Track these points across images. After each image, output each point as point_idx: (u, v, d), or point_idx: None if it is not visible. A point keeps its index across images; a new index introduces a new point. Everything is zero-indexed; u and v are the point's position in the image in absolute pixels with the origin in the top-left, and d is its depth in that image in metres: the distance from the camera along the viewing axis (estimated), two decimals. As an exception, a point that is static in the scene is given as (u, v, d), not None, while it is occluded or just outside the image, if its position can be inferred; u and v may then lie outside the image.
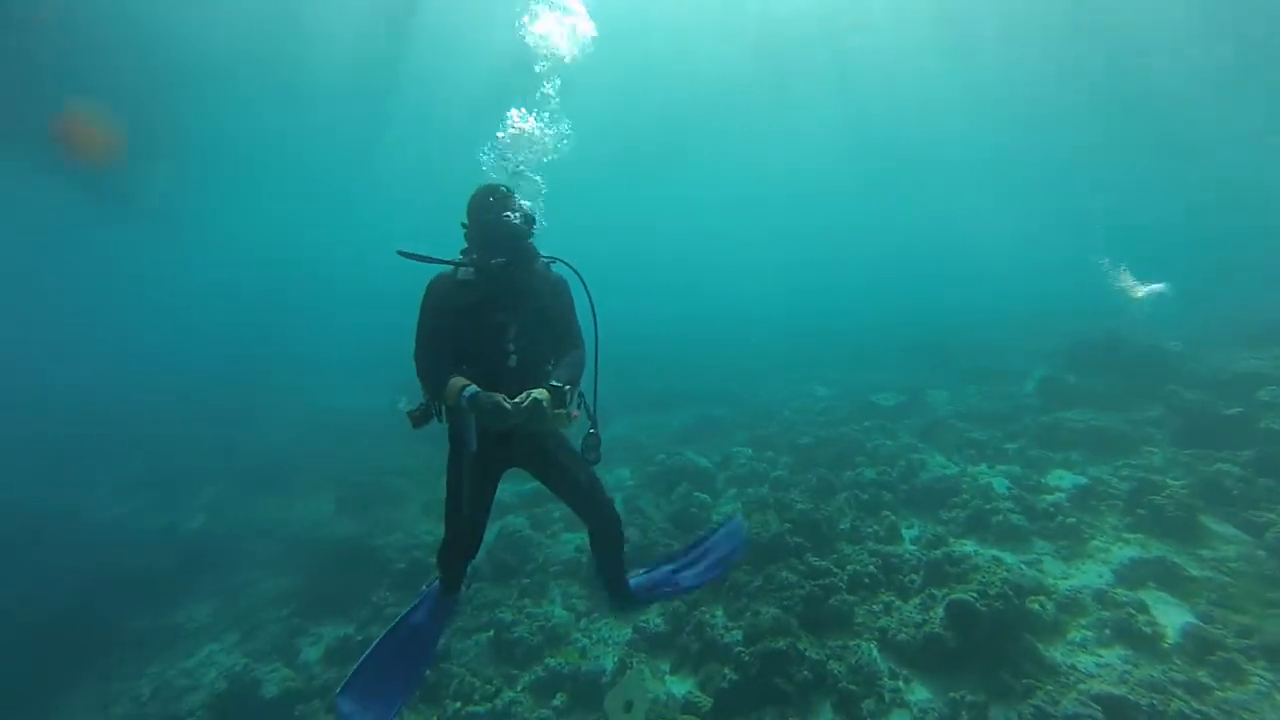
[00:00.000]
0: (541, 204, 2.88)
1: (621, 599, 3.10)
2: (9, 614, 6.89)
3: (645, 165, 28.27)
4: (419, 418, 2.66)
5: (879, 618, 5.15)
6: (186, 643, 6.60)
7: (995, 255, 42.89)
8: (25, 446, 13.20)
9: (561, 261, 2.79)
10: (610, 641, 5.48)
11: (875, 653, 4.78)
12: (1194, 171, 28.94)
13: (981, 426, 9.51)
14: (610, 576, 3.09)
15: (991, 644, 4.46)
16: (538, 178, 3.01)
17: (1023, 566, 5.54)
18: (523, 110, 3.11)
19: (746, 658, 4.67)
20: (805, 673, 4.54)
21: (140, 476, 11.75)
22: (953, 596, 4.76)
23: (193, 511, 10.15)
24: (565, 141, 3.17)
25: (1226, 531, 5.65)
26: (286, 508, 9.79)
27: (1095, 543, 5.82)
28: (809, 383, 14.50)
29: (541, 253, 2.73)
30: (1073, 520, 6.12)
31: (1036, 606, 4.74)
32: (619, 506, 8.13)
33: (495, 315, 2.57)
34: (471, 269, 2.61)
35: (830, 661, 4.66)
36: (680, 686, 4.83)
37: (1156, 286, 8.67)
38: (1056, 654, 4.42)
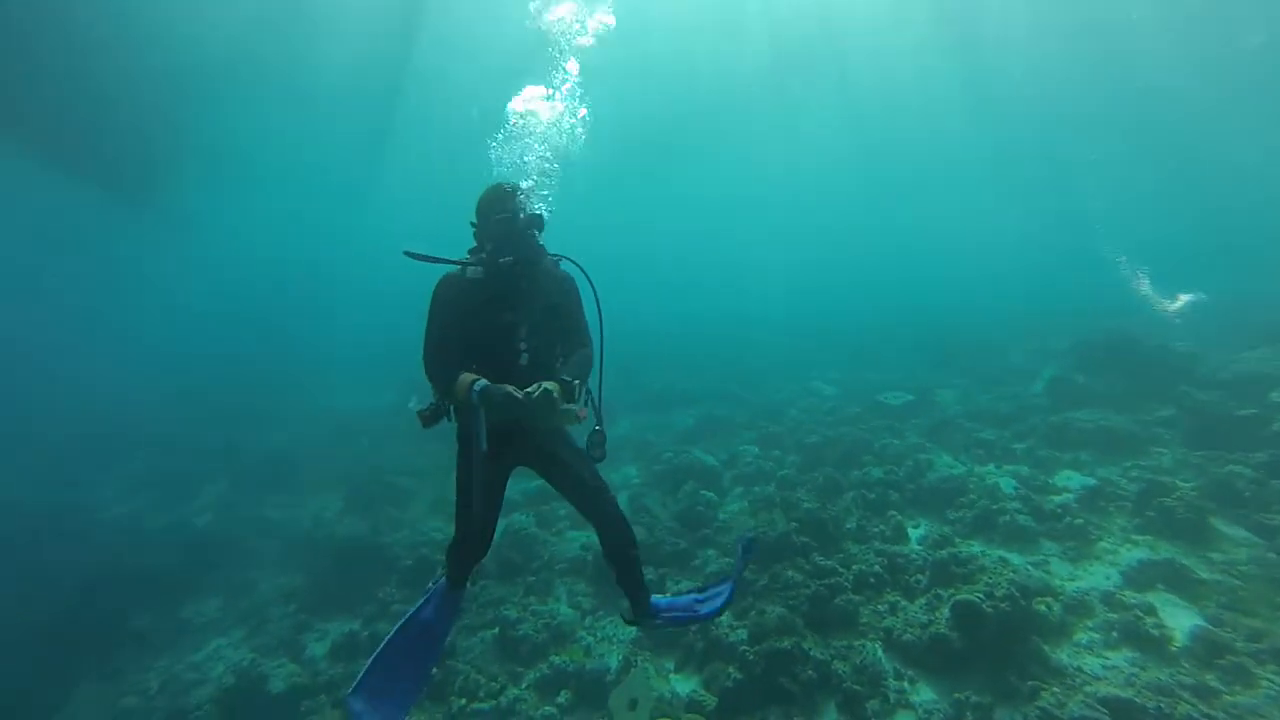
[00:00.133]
0: (550, 199, 2.88)
1: (639, 607, 3.03)
2: (18, 610, 6.97)
3: (647, 165, 28.27)
4: (429, 417, 2.68)
5: (884, 618, 5.13)
6: (193, 638, 6.66)
7: (998, 255, 42.57)
8: (32, 445, 13.33)
9: (568, 260, 2.79)
10: (615, 639, 5.49)
11: (880, 653, 4.76)
12: (1195, 169, 28.72)
13: (990, 426, 9.45)
14: (627, 582, 3.01)
15: (997, 645, 4.43)
16: (553, 164, 2.99)
17: (1029, 567, 5.51)
18: (543, 91, 3.10)
19: (751, 657, 4.67)
20: (810, 672, 4.53)
21: (146, 474, 11.85)
22: (959, 597, 4.73)
23: (199, 509, 10.23)
24: (582, 129, 3.15)
25: (1237, 534, 5.59)
26: (293, 505, 9.85)
27: (1103, 544, 5.77)
28: (815, 382, 14.44)
29: (549, 250, 2.73)
30: (1081, 521, 6.07)
31: (1043, 608, 4.71)
32: (625, 505, 8.17)
33: (504, 314, 2.58)
34: (480, 268, 2.62)
35: (835, 661, 4.65)
36: (685, 685, 4.83)
37: (1191, 297, 8.51)
38: (1063, 656, 4.39)
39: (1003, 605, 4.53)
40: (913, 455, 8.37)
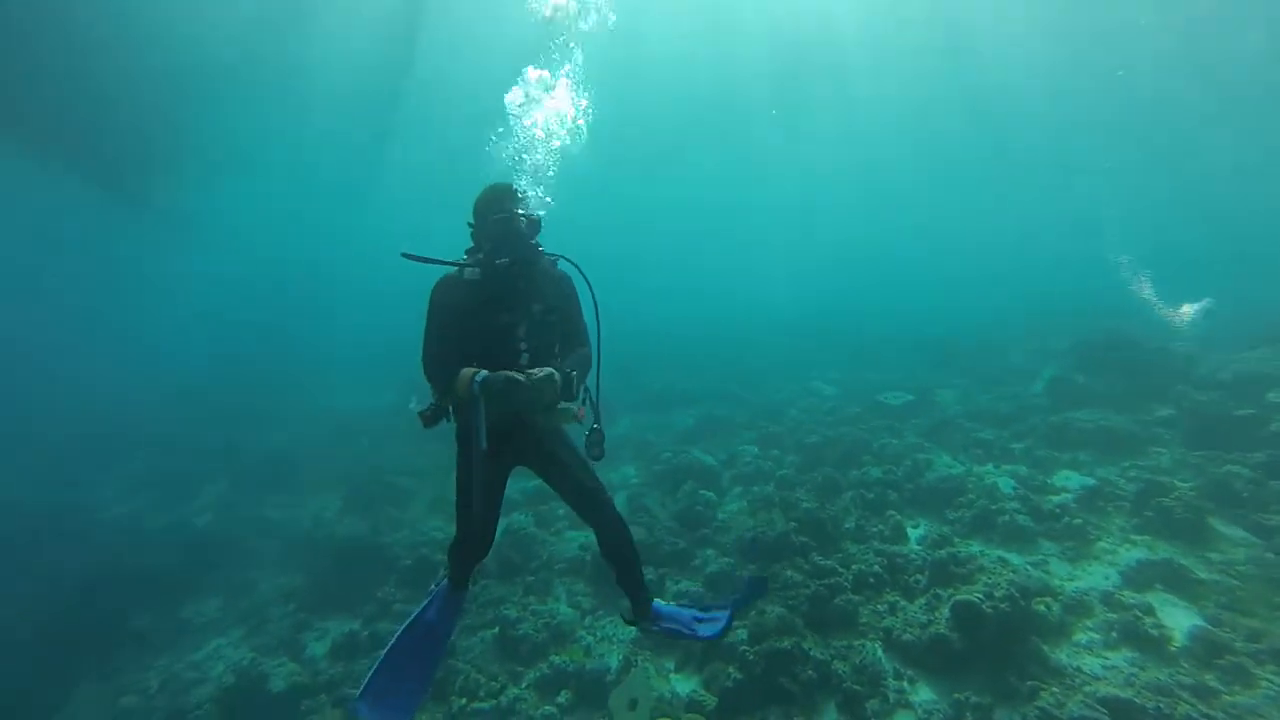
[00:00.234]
0: (548, 195, 2.88)
1: (639, 608, 3.04)
2: (18, 609, 6.98)
3: (647, 166, 28.27)
4: (430, 418, 2.69)
5: (884, 618, 5.14)
6: (193, 637, 6.66)
7: (997, 257, 42.67)
8: (32, 445, 13.32)
9: (565, 259, 2.80)
10: (615, 639, 5.50)
11: (880, 653, 4.77)
12: (1200, 173, 28.75)
13: (989, 426, 9.47)
14: (627, 582, 3.03)
15: (997, 645, 4.44)
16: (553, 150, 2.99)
17: (1029, 567, 5.52)
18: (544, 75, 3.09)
19: (751, 657, 4.68)
20: (810, 672, 4.53)
21: (146, 474, 11.84)
22: (958, 597, 4.74)
23: (199, 509, 10.23)
24: (583, 119, 3.15)
25: (1235, 534, 5.61)
26: (293, 505, 9.85)
27: (1102, 544, 5.78)
28: (814, 382, 14.45)
29: (546, 250, 2.73)
30: (1079, 521, 6.08)
31: (1042, 608, 4.72)
32: (624, 504, 8.18)
33: (502, 315, 2.58)
34: (478, 269, 2.62)
35: (835, 661, 4.66)
36: (685, 685, 4.84)
37: (1200, 305, 8.52)
38: (1062, 656, 4.40)
39: (1002, 605, 4.54)
40: (911, 455, 8.38)
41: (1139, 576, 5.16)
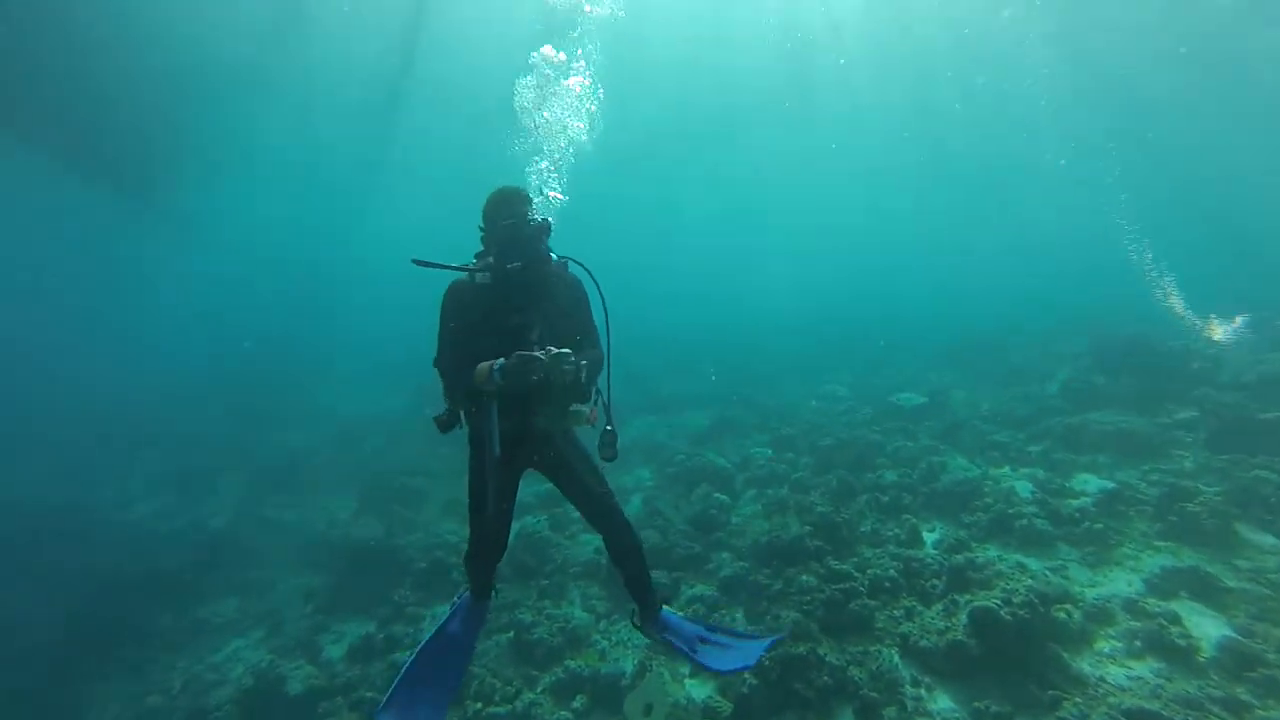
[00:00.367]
0: (558, 189, 2.88)
1: (646, 613, 3.05)
2: (42, 609, 7.10)
3: (654, 170, 28.24)
4: (445, 422, 2.71)
5: (900, 623, 5.09)
6: (213, 638, 6.74)
7: (1005, 259, 42.18)
8: (46, 446, 13.51)
9: (576, 262, 2.79)
10: (630, 644, 5.50)
11: (897, 659, 4.73)
12: (1196, 171, 28.37)
13: (1004, 428, 9.36)
14: (635, 588, 3.05)
15: (1016, 653, 4.38)
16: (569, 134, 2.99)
17: (1048, 573, 5.44)
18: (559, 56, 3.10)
19: (767, 662, 4.64)
20: (825, 678, 4.50)
21: (160, 475, 11.99)
22: (976, 603, 4.69)
23: (215, 510, 10.34)
24: (595, 104, 3.14)
25: (1265, 541, 5.48)
26: (306, 506, 9.95)
27: (1124, 550, 5.69)
28: (827, 384, 14.38)
29: (556, 253, 2.73)
30: (1100, 526, 5.98)
31: (1063, 615, 4.65)
32: (638, 507, 8.17)
33: (514, 318, 2.58)
34: (488, 274, 2.62)
35: (851, 667, 4.62)
36: (700, 691, 4.82)
37: (1238, 323, 8.37)
38: (1084, 665, 4.33)
39: (1021, 612, 4.47)
40: (926, 458, 8.31)
41: (1164, 584, 5.05)
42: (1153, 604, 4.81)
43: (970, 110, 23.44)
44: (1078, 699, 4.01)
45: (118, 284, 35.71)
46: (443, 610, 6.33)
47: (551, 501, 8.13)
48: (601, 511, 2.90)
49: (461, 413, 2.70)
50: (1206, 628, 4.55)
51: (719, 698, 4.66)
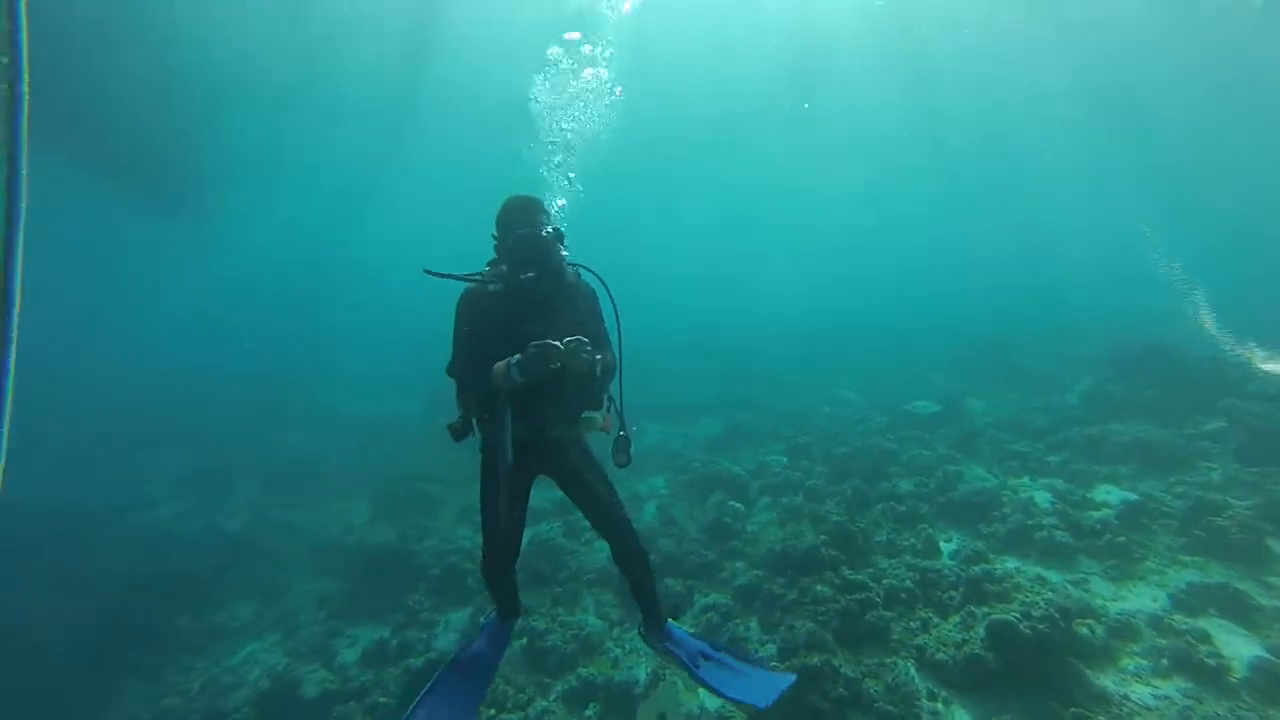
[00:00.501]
0: (571, 179, 2.90)
1: (651, 623, 3.05)
2: (61, 609, 7.23)
3: (659, 173, 28.26)
4: (459, 430, 2.73)
5: (916, 635, 5.03)
6: (230, 641, 6.82)
7: (1017, 263, 41.66)
8: (64, 449, 13.72)
9: (588, 270, 2.80)
10: (643, 652, 5.47)
11: (913, 671, 4.66)
12: (1201, 174, 27.89)
13: (1022, 437, 9.22)
14: (641, 598, 3.06)
15: (1036, 668, 4.30)
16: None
17: (1068, 586, 5.35)
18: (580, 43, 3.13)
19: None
20: (841, 690, 4.45)
21: (178, 478, 12.17)
22: (994, 616, 4.62)
23: (232, 513, 10.47)
24: (614, 98, 3.16)
25: (1297, 557, 5.33)
26: (323, 511, 10.04)
27: (1148, 564, 5.57)
28: (841, 390, 14.27)
29: (569, 261, 2.74)
30: (1122, 539, 5.86)
31: (1085, 630, 4.56)
32: (653, 515, 8.15)
33: (527, 326, 2.56)
34: (501, 284, 2.64)
35: (866, 680, 4.57)
36: (713, 700, 4.78)
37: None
38: (1107, 682, 4.23)
39: (1041, 626, 4.40)
40: (943, 467, 8.22)
41: (1191, 600, 4.93)
42: (1180, 621, 4.69)
43: (976, 112, 23.27)
44: (1102, 717, 3.92)
45: (134, 287, 36.43)
46: (457, 616, 6.40)
47: (566, 508, 8.13)
48: (610, 521, 2.90)
49: (474, 420, 2.71)
50: (1237, 647, 4.42)
51: (732, 709, 4.62)
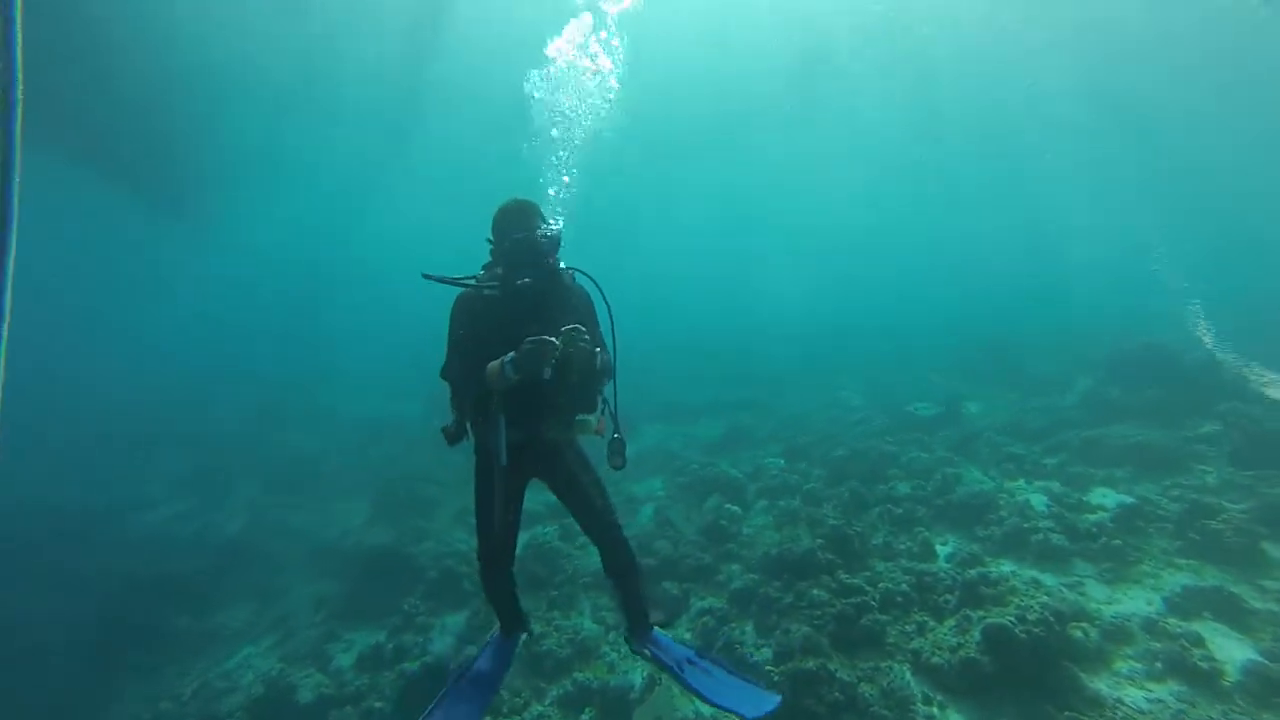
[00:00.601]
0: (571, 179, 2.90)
1: (636, 629, 3.06)
2: (60, 610, 7.23)
3: (658, 171, 28.25)
4: (453, 434, 2.73)
5: (912, 639, 5.02)
6: (225, 645, 6.82)
7: (1018, 264, 41.74)
8: (62, 450, 13.71)
9: (582, 273, 2.81)
10: (639, 657, 5.46)
11: (909, 675, 4.66)
12: (1204, 176, 27.97)
13: (1019, 440, 9.22)
14: (628, 604, 3.07)
15: (1031, 672, 4.30)
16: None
17: (1063, 589, 5.34)
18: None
19: (776, 677, 4.62)
20: (836, 694, 4.44)
21: (177, 479, 12.18)
22: (989, 620, 4.62)
23: (229, 515, 10.48)
24: (613, 95, 3.15)
25: (1292, 561, 5.33)
26: (322, 512, 10.05)
27: (1143, 567, 5.56)
28: (840, 391, 14.29)
29: (564, 264, 2.74)
30: (1118, 542, 5.86)
31: (1079, 633, 4.56)
32: (650, 517, 8.14)
33: (523, 330, 2.54)
34: (497, 287, 2.64)
35: (862, 684, 4.56)
36: (709, 706, 4.77)
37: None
38: (1101, 686, 4.23)
39: (1036, 629, 4.40)
40: (940, 469, 8.21)
41: (1185, 603, 4.92)
42: (1174, 624, 4.69)
43: (977, 112, 23.32)
44: (1095, 721, 3.92)
45: (134, 287, 36.37)
46: (453, 620, 6.39)
47: (561, 511, 8.08)
48: (601, 526, 2.91)
49: (469, 424, 2.72)
50: (1231, 650, 4.41)
51: (724, 717, 4.61)
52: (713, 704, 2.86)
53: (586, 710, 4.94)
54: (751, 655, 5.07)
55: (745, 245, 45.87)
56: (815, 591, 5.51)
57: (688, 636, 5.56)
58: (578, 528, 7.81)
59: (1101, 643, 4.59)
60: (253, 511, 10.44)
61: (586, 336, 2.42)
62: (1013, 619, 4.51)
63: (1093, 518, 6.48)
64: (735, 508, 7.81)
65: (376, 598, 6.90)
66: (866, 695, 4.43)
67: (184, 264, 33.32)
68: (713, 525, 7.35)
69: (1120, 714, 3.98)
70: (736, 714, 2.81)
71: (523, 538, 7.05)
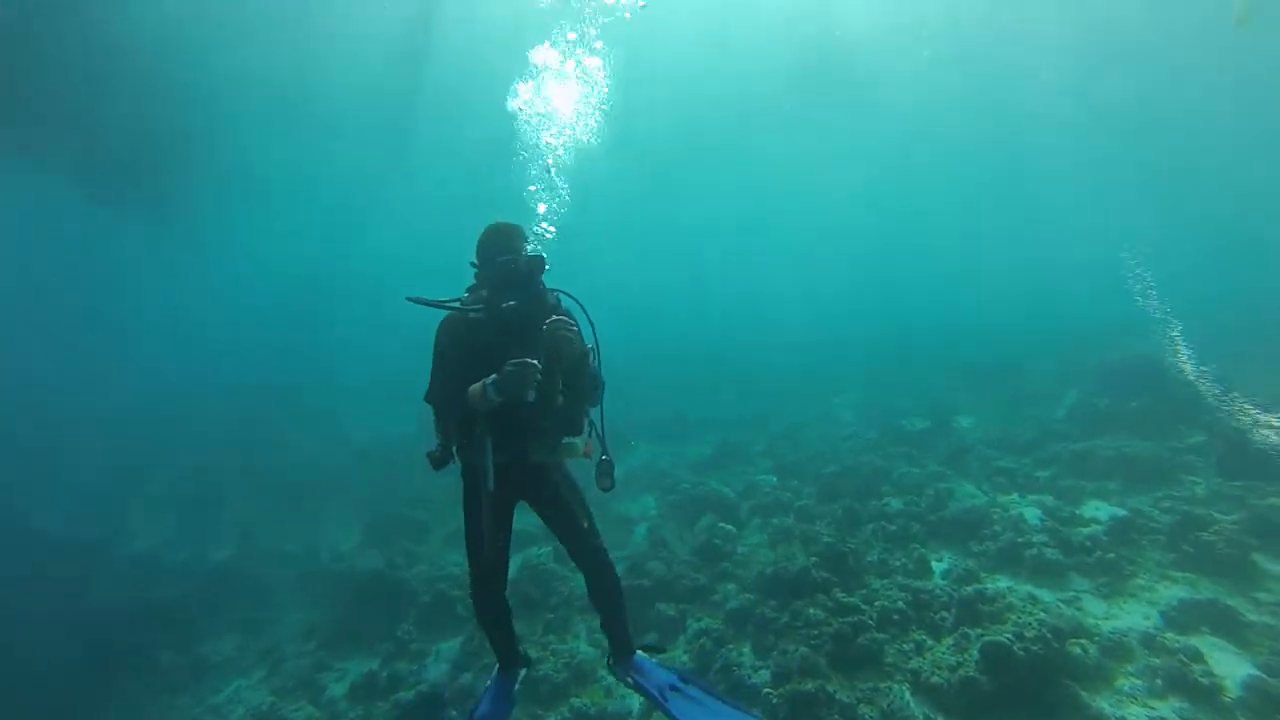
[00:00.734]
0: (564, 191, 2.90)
1: (621, 657, 3.04)
2: (45, 644, 7.05)
3: (656, 181, 28.39)
4: (438, 459, 2.71)
5: (910, 658, 4.99)
6: (214, 677, 6.66)
7: (1011, 274, 42.26)
8: (51, 472, 13.48)
9: (567, 295, 2.81)
10: (635, 681, 5.39)
11: (908, 696, 4.62)
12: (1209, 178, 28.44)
13: (1010, 453, 9.26)
14: (611, 630, 3.05)
15: (1031, 690, 4.28)
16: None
17: (1060, 605, 5.34)
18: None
19: (775, 700, 4.57)
20: (836, 717, 4.41)
21: (165, 505, 11.97)
22: (987, 638, 4.60)
23: (218, 542, 10.28)
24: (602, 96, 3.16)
25: (1283, 572, 5.36)
26: (312, 535, 9.90)
27: (1138, 581, 5.57)
28: (831, 406, 14.33)
29: (549, 286, 2.73)
30: (1112, 555, 5.87)
31: (1078, 650, 4.55)
32: (643, 537, 8.07)
33: (507, 354, 2.51)
34: (482, 310, 2.64)
35: (861, 705, 4.52)
36: (707, 731, 4.71)
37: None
38: (1103, 704, 4.20)
39: (1034, 647, 4.38)
40: (933, 484, 8.22)
41: (1182, 617, 4.92)
42: (1172, 639, 4.68)
43: (979, 119, 23.66)
44: (1097, 740, 3.90)
45: (133, 304, 36.00)
46: (448, 646, 6.29)
47: (555, 532, 8.05)
48: (587, 550, 2.90)
49: (454, 448, 2.70)
50: (1230, 665, 4.40)
51: (726, 739, 4.55)
52: None
53: (583, 737, 4.85)
54: (749, 677, 5.02)
55: (740, 253, 46.08)
56: (811, 611, 5.47)
57: (684, 659, 5.50)
58: (572, 550, 7.70)
59: (1101, 659, 4.57)
60: (241, 537, 10.25)
61: (573, 326, 2.42)
62: (1010, 636, 4.50)
63: (1086, 531, 6.50)
64: (729, 526, 7.77)
65: (368, 624, 6.78)
66: (866, 717, 4.39)
67: (178, 279, 32.97)
68: (707, 545, 7.30)
69: (1122, 732, 3.97)
70: None
71: (517, 559, 7.00)
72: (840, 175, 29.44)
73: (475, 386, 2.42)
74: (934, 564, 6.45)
